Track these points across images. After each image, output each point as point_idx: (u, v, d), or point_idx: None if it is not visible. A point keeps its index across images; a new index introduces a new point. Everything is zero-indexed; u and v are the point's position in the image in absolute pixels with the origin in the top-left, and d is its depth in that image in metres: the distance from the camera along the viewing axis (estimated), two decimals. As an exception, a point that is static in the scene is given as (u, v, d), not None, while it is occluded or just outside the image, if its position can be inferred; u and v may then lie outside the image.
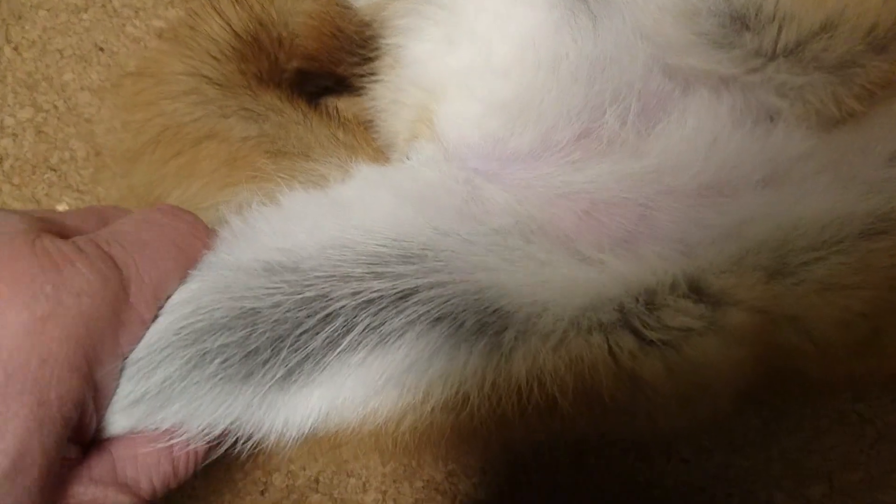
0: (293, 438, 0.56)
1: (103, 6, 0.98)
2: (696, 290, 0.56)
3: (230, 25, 0.72)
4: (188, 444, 0.54)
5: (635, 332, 0.55)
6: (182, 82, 0.70)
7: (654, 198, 0.59)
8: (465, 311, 0.54)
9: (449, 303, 0.54)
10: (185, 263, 0.54)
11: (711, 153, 0.58)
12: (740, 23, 0.57)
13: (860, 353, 0.60)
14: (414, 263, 0.55)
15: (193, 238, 0.55)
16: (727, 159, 0.58)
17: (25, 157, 0.93)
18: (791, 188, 0.58)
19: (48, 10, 0.98)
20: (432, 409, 0.55)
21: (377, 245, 0.55)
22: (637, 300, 0.55)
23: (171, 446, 0.53)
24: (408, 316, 0.54)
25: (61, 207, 0.92)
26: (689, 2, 0.57)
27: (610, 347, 0.54)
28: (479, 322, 0.54)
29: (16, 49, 0.97)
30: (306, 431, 0.56)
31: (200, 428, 0.53)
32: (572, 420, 0.56)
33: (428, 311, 0.54)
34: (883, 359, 0.61)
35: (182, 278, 0.54)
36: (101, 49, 0.97)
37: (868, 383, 0.83)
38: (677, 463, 0.85)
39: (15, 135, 0.94)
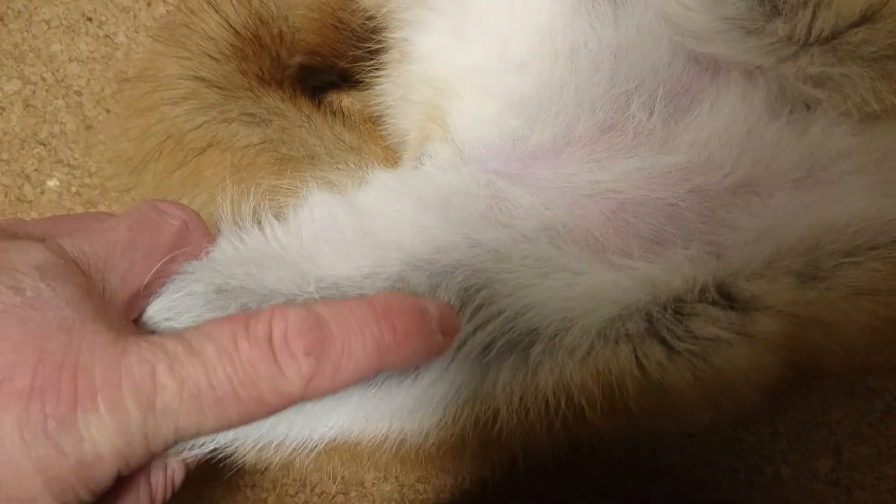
0: (309, 451, 0.51)
1: (91, -27, 0.91)
2: (725, 296, 0.51)
3: (228, 22, 0.66)
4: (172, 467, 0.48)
5: (663, 342, 0.50)
6: (181, 86, 0.64)
7: (685, 197, 0.53)
8: (501, 335, 0.49)
9: (485, 330, 0.49)
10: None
11: (745, 148, 0.53)
12: (770, 6, 0.51)
13: (882, 350, 0.56)
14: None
15: None
16: (761, 155, 0.53)
17: (14, 132, 0.88)
18: (827, 189, 0.53)
19: (34, -21, 0.91)
20: (462, 427, 0.50)
21: (411, 269, 0.50)
22: (665, 308, 0.51)
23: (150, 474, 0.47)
24: None
25: (52, 183, 0.87)
26: (722, -15, 0.52)
27: (637, 358, 0.50)
28: (509, 342, 0.50)
29: (1, 20, 0.90)
30: (323, 444, 0.51)
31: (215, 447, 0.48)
32: (598, 429, 0.52)
33: (468, 343, 0.49)
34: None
35: None
36: (90, 19, 0.91)
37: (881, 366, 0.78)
38: (682, 437, 0.81)
39: (2, 108, 0.88)
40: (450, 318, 0.46)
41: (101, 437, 0.37)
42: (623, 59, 0.55)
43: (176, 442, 0.40)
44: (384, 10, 0.64)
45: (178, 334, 0.41)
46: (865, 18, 0.50)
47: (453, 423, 0.50)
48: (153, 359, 0.39)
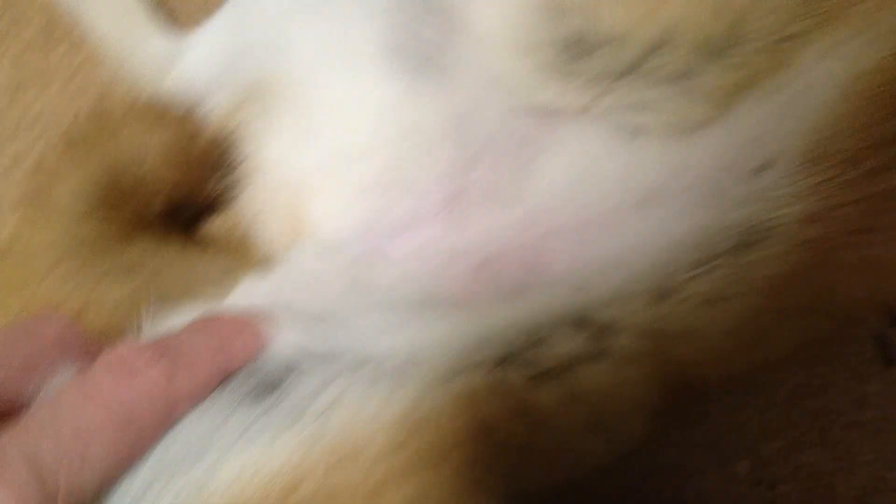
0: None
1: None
2: (579, 324, 0.50)
3: (86, 179, 0.63)
4: None
5: (524, 365, 0.48)
6: (49, 255, 0.61)
7: (541, 240, 0.54)
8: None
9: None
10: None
11: (588, 184, 0.54)
12: (576, 49, 0.53)
13: (750, 352, 0.55)
14: None
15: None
16: (604, 187, 0.54)
17: None
18: (666, 207, 0.53)
19: None
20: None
21: None
22: (521, 337, 0.49)
23: None
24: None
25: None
26: (527, 35, 0.53)
27: (499, 381, 0.47)
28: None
29: None
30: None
31: None
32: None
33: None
34: (771, 350, 0.56)
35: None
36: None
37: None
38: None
39: None
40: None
41: None
42: (461, 126, 0.55)
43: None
44: (229, 131, 0.64)
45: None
46: (660, 44, 0.51)
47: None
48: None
